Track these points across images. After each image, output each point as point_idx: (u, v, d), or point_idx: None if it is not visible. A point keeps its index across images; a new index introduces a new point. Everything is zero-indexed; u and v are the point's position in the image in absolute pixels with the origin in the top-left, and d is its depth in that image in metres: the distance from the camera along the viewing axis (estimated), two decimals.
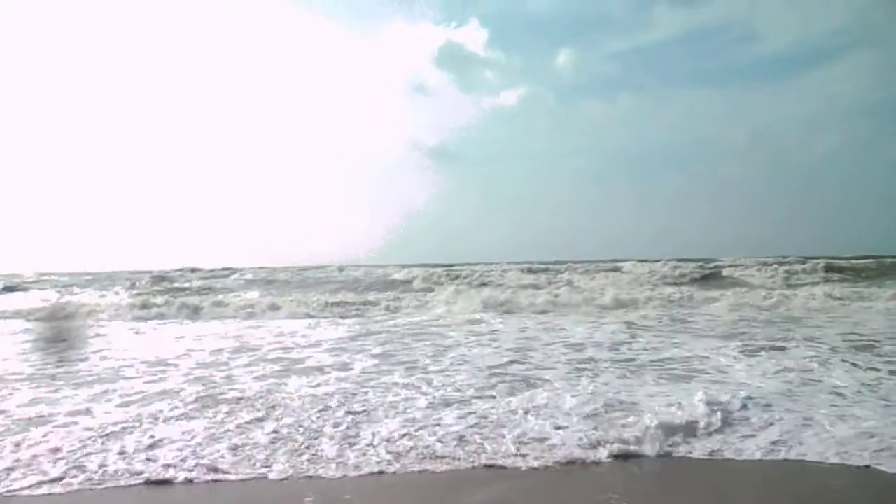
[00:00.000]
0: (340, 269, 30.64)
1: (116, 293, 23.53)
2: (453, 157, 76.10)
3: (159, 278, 29.24)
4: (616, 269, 26.05)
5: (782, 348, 9.10)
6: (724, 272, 24.43)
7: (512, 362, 8.33)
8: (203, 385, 7.06)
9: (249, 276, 29.38)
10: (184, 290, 24.77)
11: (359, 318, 15.07)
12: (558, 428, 5.15)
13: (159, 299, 19.23)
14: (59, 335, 12.18)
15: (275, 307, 17.04)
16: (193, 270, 32.12)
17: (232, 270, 32.09)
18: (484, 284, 23.01)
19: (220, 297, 19.88)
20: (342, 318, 15.13)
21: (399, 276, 26.12)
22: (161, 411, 5.89)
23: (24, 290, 27.40)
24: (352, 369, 7.94)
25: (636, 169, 76.05)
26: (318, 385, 6.98)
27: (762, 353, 8.66)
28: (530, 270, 26.37)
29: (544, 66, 75.77)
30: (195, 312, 16.72)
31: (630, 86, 75.89)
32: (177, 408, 5.98)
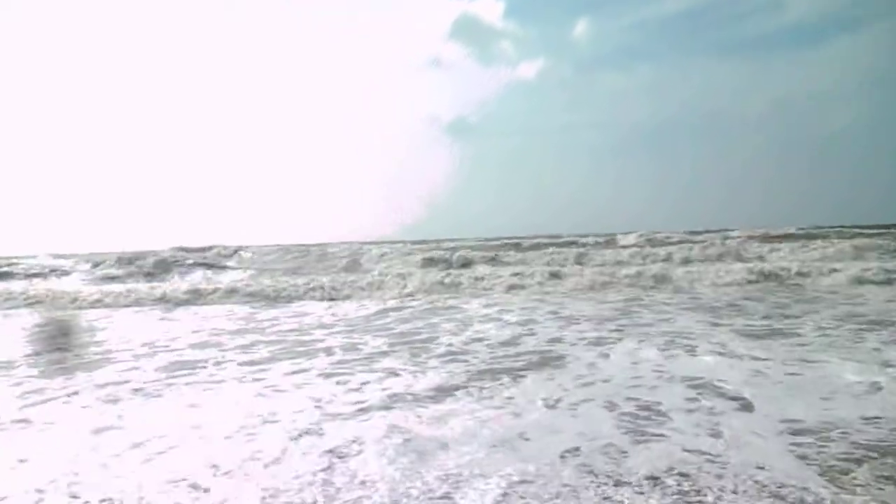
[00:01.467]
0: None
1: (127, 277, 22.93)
2: (471, 131, 75.24)
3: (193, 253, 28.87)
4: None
5: None
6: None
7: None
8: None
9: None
10: (222, 268, 24.48)
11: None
12: None
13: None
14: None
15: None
16: (205, 249, 31.86)
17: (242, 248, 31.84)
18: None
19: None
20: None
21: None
22: None
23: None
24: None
25: (655, 141, 74.88)
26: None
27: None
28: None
29: (562, 38, 74.39)
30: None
31: (649, 56, 74.44)
32: None
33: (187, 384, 6.02)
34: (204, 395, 5.65)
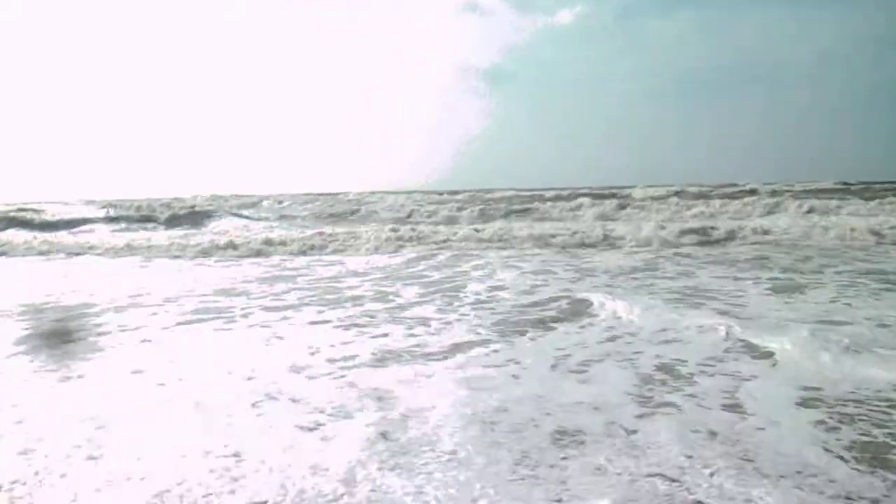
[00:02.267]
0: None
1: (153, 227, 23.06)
2: (507, 78, 73.19)
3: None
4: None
5: None
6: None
7: None
8: None
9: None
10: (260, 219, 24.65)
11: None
12: None
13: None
14: None
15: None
16: (234, 197, 32.10)
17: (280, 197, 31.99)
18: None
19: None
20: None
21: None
22: None
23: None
24: None
25: (700, 92, 71.74)
26: None
27: None
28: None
29: None
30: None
31: (693, 3, 70.80)
32: None
33: (199, 331, 5.97)
34: (211, 339, 5.66)
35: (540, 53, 74.92)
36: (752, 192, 24.71)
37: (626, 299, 6.47)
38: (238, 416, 3.64)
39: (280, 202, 29.41)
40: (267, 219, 25.04)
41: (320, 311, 6.70)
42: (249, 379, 4.35)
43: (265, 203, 29.36)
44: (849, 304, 6.29)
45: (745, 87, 68.62)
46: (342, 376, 4.33)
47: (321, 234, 15.19)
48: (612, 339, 5.14)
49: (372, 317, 6.34)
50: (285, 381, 4.27)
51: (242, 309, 6.94)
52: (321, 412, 3.64)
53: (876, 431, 3.12)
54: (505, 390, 3.94)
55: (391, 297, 7.50)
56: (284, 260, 12.08)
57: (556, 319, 5.93)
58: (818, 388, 3.77)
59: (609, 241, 13.05)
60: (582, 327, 5.60)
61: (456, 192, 31.63)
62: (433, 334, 5.52)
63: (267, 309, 6.92)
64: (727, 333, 5.02)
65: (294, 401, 3.86)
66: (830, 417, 3.32)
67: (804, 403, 3.55)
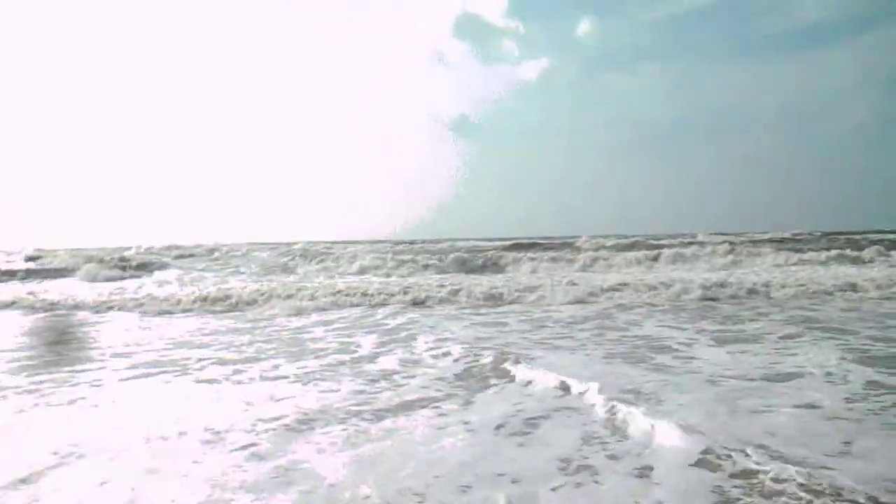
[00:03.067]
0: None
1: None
2: (475, 129, 74.54)
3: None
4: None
5: None
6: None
7: None
8: None
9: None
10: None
11: None
12: None
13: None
14: None
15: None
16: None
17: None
18: None
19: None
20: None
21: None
22: None
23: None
24: None
25: (665, 142, 74.16)
26: None
27: None
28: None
29: (565, 37, 73.93)
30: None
31: (656, 57, 73.87)
32: None
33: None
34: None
35: (505, 106, 77.04)
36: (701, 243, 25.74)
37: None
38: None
39: (228, 251, 28.79)
40: (206, 269, 24.03)
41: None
42: (147, 441, 4.37)
43: (217, 252, 28.69)
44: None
45: (708, 139, 71.79)
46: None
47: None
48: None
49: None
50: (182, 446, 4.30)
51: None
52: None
53: None
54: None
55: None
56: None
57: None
58: None
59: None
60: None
61: (414, 243, 31.85)
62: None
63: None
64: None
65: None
66: None
67: None
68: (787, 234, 28.82)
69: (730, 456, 3.79)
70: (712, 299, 12.78)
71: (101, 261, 23.04)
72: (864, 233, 28.20)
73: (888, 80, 66.47)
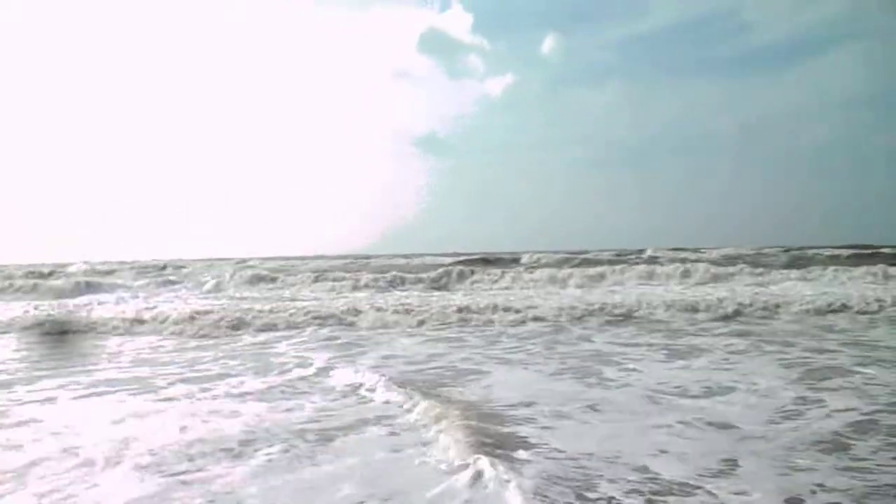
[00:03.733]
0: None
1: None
2: (442, 146, 74.68)
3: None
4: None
5: None
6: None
7: None
8: None
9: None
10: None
11: None
12: None
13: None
14: None
15: None
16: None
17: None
18: None
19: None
20: None
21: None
22: None
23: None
24: None
25: (631, 159, 75.61)
26: None
27: None
28: None
29: (531, 53, 74.70)
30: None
31: (621, 75, 75.23)
32: None
33: None
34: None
35: (472, 121, 77.15)
36: (652, 259, 25.69)
37: None
38: None
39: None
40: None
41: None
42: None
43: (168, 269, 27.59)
44: None
45: (675, 156, 73.29)
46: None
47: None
48: None
49: None
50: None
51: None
52: None
53: None
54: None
55: None
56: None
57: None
58: None
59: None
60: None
61: (369, 258, 31.32)
62: None
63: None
64: None
65: None
66: None
67: None
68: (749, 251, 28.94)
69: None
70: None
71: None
72: (822, 247, 28.52)
73: (846, 100, 69.09)
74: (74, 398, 6.01)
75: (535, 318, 11.56)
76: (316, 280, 20.77)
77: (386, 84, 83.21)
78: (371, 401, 5.67)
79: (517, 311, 11.97)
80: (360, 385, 6.23)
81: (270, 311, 11.94)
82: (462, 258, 26.94)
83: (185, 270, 26.05)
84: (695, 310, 12.11)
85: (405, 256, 30.43)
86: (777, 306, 12.38)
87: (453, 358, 7.98)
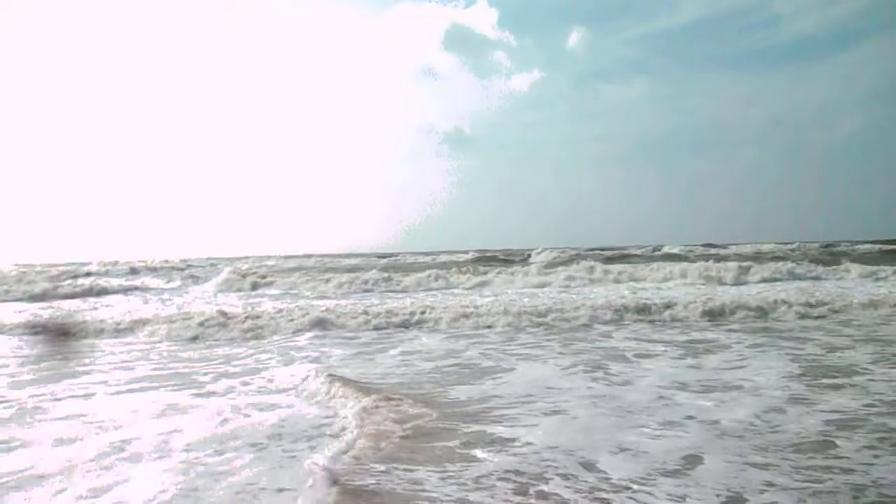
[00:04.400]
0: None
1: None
2: (470, 142, 74.57)
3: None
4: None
5: None
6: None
7: None
8: None
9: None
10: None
11: None
12: None
13: None
14: None
15: None
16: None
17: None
18: None
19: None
20: None
21: None
22: None
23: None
24: None
25: (657, 154, 73.85)
26: None
27: None
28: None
29: (557, 49, 73.84)
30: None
31: (648, 70, 73.62)
32: None
33: None
34: None
35: (498, 118, 77.09)
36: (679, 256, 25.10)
37: None
38: None
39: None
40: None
41: None
42: None
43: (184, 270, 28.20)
44: None
45: (700, 150, 71.51)
46: None
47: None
48: None
49: None
50: None
51: None
52: None
53: None
54: None
55: None
56: None
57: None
58: None
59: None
60: None
61: (425, 253, 31.74)
62: None
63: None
64: None
65: None
66: None
67: None
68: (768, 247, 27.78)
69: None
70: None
71: None
72: (860, 242, 27.17)
73: (877, 91, 65.83)
74: (114, 394, 6.54)
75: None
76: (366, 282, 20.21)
77: (412, 82, 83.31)
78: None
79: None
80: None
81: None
82: (487, 253, 26.94)
83: (202, 268, 26.95)
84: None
85: (427, 254, 30.64)
86: None
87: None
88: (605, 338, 9.33)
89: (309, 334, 10.27)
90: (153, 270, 27.53)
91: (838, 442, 4.27)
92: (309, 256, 32.43)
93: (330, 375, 6.53)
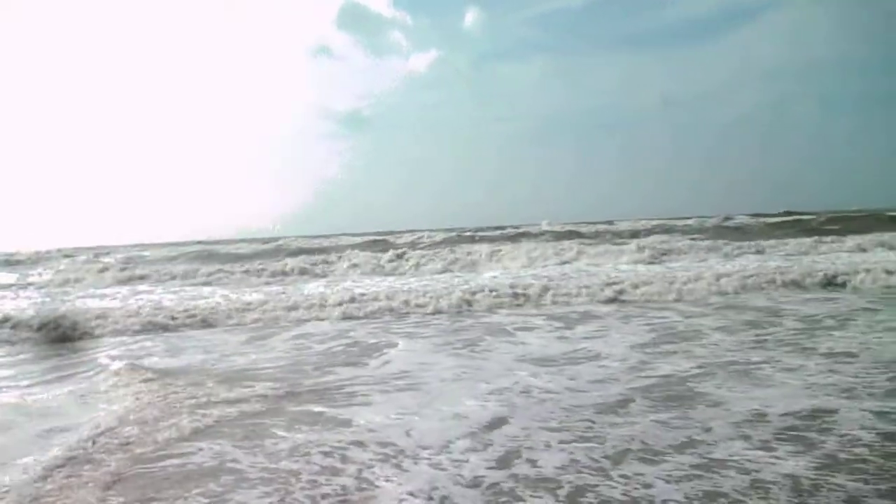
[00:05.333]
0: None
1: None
2: (368, 123, 73.42)
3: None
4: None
5: None
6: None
7: None
8: None
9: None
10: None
11: None
12: None
13: None
14: None
15: None
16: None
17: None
18: None
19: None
20: None
21: None
22: None
23: None
24: None
25: (557, 133, 75.25)
26: None
27: None
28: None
29: (454, 29, 73.61)
30: None
31: (546, 50, 74.50)
32: None
33: None
34: None
35: (396, 98, 76.58)
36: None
37: None
38: None
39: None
40: None
41: None
42: None
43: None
44: None
45: (602, 130, 73.60)
46: None
47: None
48: None
49: None
50: None
51: None
52: None
53: None
54: None
55: None
56: None
57: None
58: None
59: None
60: None
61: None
62: None
63: None
64: None
65: None
66: None
67: None
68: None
69: None
70: None
71: None
72: (760, 215, 28.80)
73: (767, 70, 69.96)
74: None
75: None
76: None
77: (305, 61, 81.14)
78: None
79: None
80: None
81: None
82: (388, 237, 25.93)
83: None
84: None
85: (316, 237, 29.52)
86: None
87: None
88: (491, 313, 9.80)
89: None
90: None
91: (633, 405, 4.74)
92: (183, 244, 29.95)
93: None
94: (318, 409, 5.01)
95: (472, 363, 6.45)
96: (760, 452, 3.67)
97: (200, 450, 4.12)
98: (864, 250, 16.94)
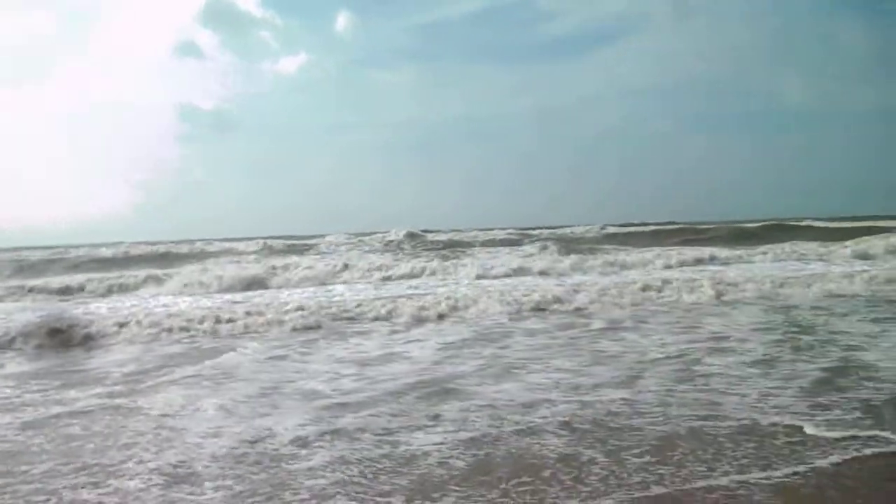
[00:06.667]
0: None
1: None
2: (229, 125, 70.40)
3: None
4: None
5: None
6: None
7: None
8: None
9: None
10: None
11: None
12: None
13: None
14: None
15: None
16: None
17: None
18: None
19: None
20: None
21: None
22: None
23: None
24: None
25: (427, 142, 76.72)
26: None
27: None
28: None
29: (325, 33, 72.46)
30: None
31: (419, 59, 75.57)
32: None
33: None
34: None
35: (264, 101, 75.16)
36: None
37: None
38: None
39: None
40: None
41: None
42: None
43: None
44: None
45: (465, 140, 76.52)
46: None
47: None
48: None
49: None
50: None
51: None
52: None
53: None
54: None
55: None
56: None
57: None
58: None
59: None
60: None
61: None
62: None
63: None
64: None
65: None
66: None
67: None
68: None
69: None
70: None
71: None
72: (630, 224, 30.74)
73: (631, 88, 75.95)
74: None
75: None
76: None
77: (167, 59, 76.96)
78: None
79: None
80: None
81: None
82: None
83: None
84: None
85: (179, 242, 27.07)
86: None
87: None
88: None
89: None
90: None
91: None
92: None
93: None
94: None
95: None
96: None
97: None
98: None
